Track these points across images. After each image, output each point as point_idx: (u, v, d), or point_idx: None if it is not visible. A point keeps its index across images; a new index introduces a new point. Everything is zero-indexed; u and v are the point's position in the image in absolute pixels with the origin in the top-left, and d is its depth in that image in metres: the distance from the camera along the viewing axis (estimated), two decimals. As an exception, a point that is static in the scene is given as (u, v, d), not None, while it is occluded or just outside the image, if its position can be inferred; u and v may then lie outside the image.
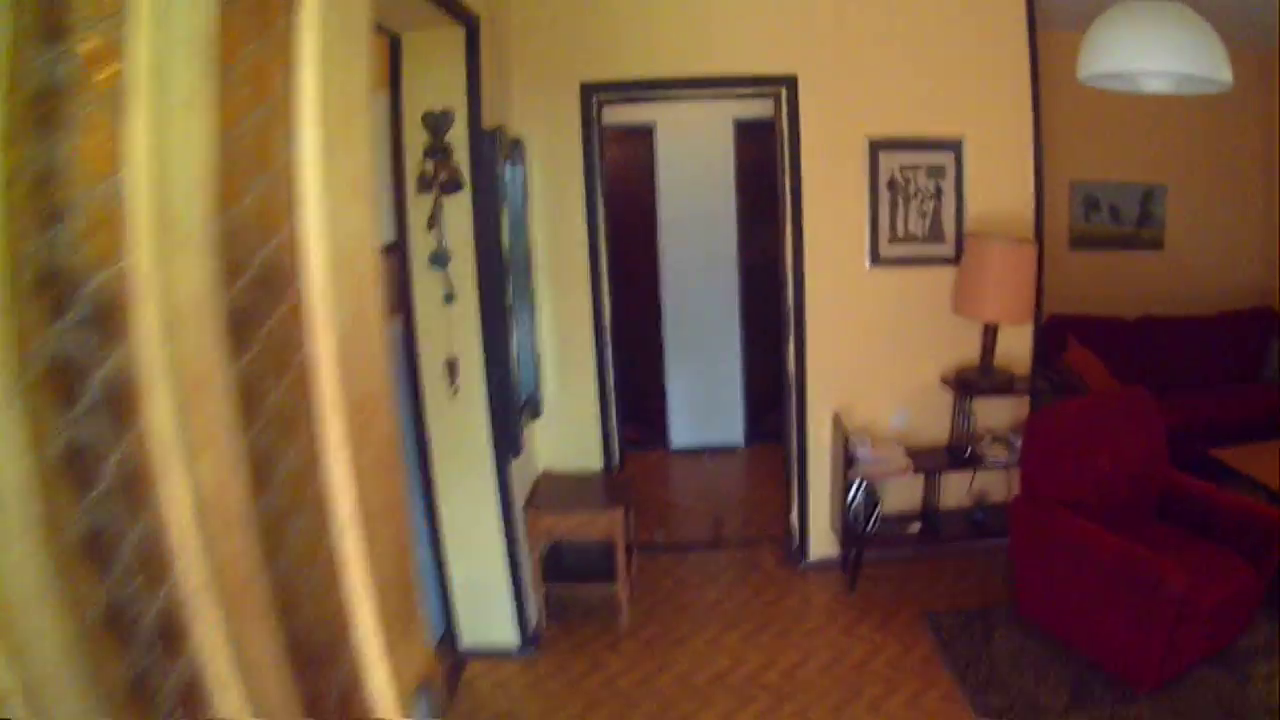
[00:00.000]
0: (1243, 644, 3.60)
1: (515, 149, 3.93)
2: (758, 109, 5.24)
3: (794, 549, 4.62)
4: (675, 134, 5.82)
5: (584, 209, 4.24)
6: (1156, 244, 5.98)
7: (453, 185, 3.38)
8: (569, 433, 4.44)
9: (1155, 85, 3.00)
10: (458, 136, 3.36)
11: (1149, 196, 5.91)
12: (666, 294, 6.01)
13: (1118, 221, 5.88)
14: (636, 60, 4.15)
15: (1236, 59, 2.86)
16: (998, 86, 4.30)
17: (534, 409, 4.20)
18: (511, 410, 3.69)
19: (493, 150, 3.50)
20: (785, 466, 4.73)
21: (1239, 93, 5.84)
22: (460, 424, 3.60)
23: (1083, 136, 5.61)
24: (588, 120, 4.18)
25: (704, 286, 5.97)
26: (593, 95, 4.17)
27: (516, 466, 3.81)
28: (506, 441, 3.64)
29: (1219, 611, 3.33)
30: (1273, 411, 5.32)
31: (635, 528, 4.68)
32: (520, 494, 3.92)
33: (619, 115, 5.22)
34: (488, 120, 3.45)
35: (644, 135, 5.83)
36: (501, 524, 3.69)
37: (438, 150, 3.36)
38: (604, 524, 3.96)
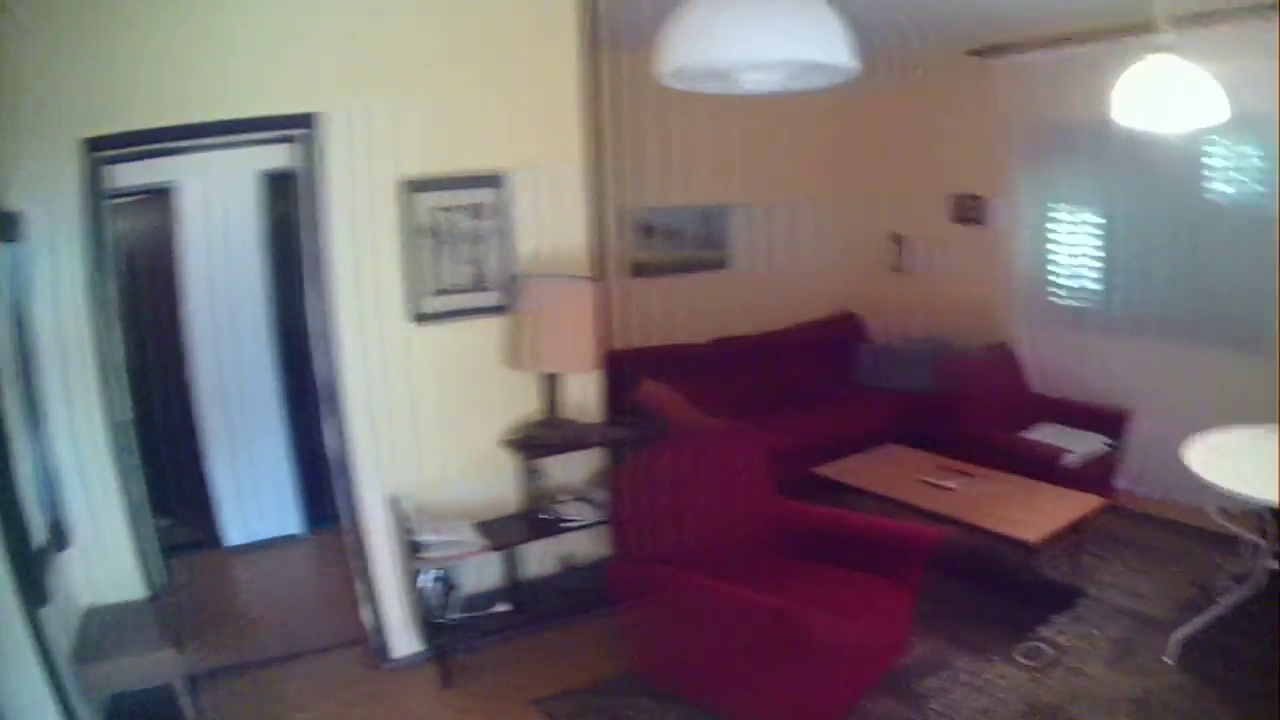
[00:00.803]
0: (907, 664, 3.58)
1: (10, 226, 3.05)
2: (287, 157, 4.51)
3: (376, 649, 3.97)
4: (198, 193, 4.96)
5: (87, 290, 3.36)
6: (719, 264, 6.01)
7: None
8: (105, 557, 3.53)
9: (760, 81, 2.48)
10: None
11: (708, 217, 5.94)
12: (200, 373, 5.11)
13: (676, 245, 5.82)
14: (146, 108, 3.33)
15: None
16: (548, 114, 3.98)
17: (60, 539, 3.29)
18: (30, 551, 2.85)
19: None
20: (349, 559, 4.06)
21: (803, 106, 5.86)
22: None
23: (636, 161, 5.42)
24: (91, 183, 3.33)
25: (238, 360, 5.15)
26: (96, 152, 3.31)
27: (53, 614, 2.96)
28: (32, 592, 2.79)
29: (872, 639, 3.21)
30: (875, 414, 5.54)
31: (199, 654, 3.83)
32: (65, 647, 3.09)
33: (134, 175, 4.34)
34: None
35: (163, 197, 4.91)
36: (51, 690, 2.84)
37: None
38: (155, 665, 3.24)
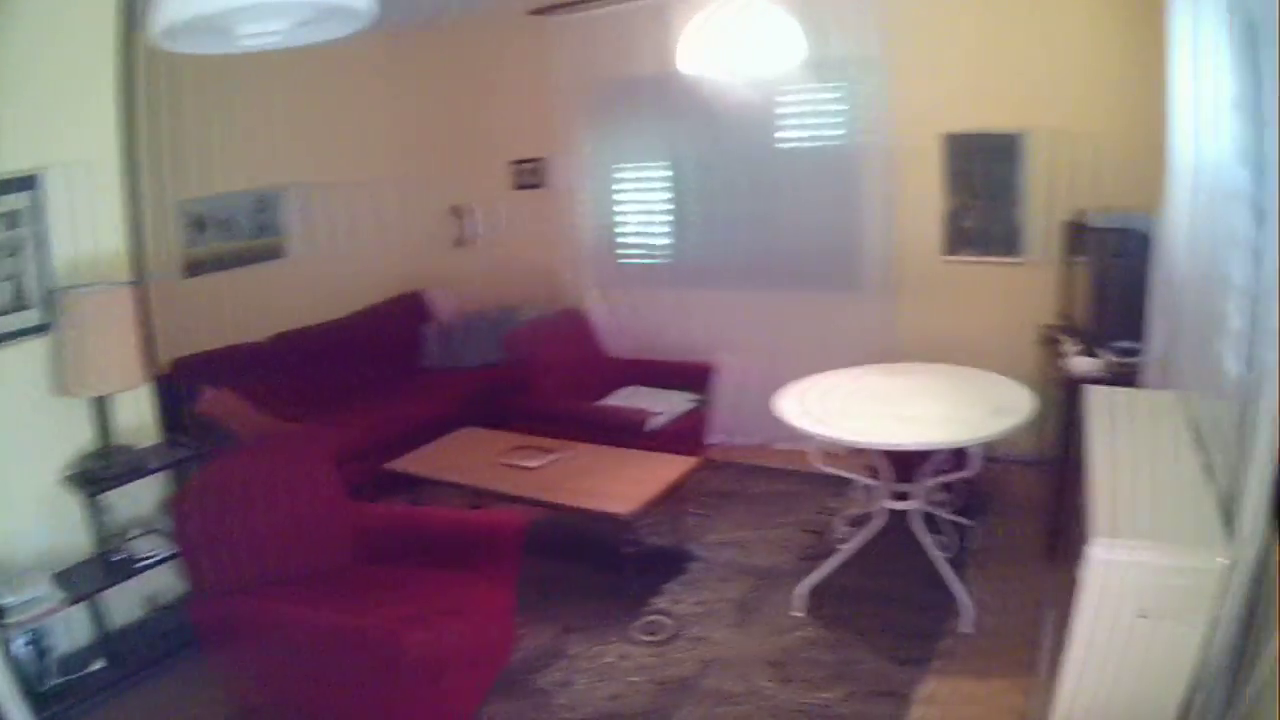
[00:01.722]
0: (522, 660, 3.40)
1: None
2: None
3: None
4: None
5: None
6: (276, 253, 5.63)
7: None
8: None
9: (259, 34, 2.16)
10: None
11: (263, 203, 5.53)
12: None
13: (230, 236, 5.36)
14: None
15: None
16: (81, 105, 3.51)
17: None
18: None
19: None
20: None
21: (354, 75, 5.78)
22: None
23: (179, 149, 4.91)
24: None
25: None
26: None
27: None
28: None
29: (475, 642, 3.01)
30: (447, 396, 5.36)
31: None
32: None
33: None
34: None
35: None
36: None
37: None
38: None
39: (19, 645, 3.28)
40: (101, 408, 3.54)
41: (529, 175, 6.07)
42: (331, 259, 5.94)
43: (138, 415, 3.79)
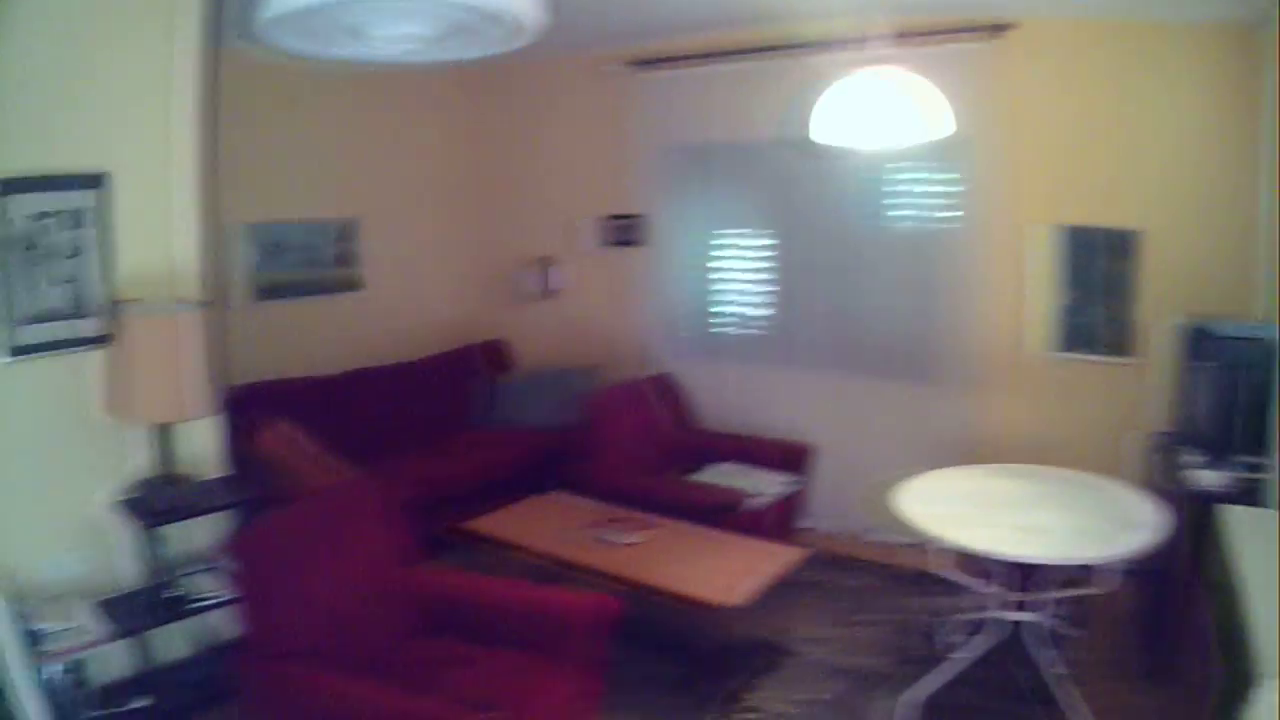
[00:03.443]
0: None
1: None
2: None
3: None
4: None
5: None
6: (352, 285, 5.43)
7: None
8: None
9: (400, 40, 2.01)
10: None
11: (342, 233, 5.35)
12: None
13: (312, 265, 5.20)
14: None
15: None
16: (155, 106, 3.34)
17: None
18: None
19: None
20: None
21: (438, 110, 5.74)
22: None
23: (263, 172, 4.81)
24: None
25: None
26: None
27: None
28: None
29: None
30: (518, 454, 5.11)
31: None
32: None
33: None
34: None
35: None
36: None
37: None
38: None
39: (56, 672, 2.99)
40: (163, 431, 3.31)
41: (621, 232, 5.70)
42: (407, 297, 5.76)
43: (200, 443, 3.56)
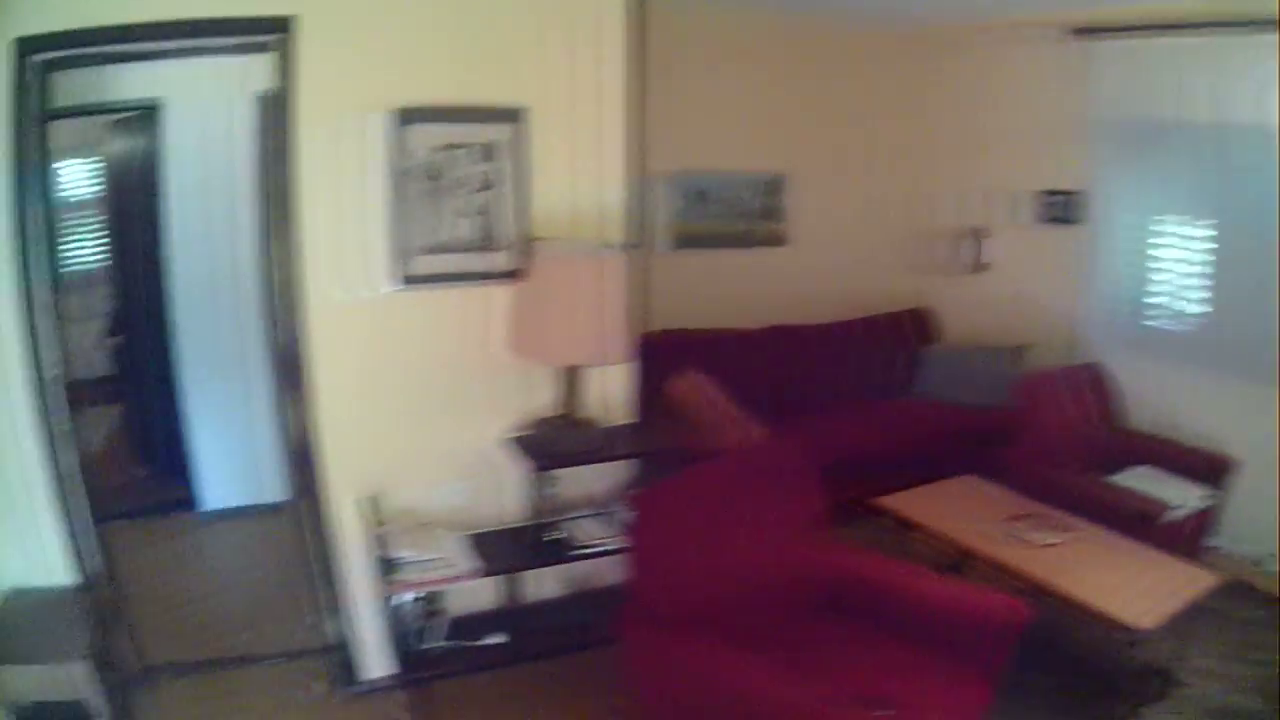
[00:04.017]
0: None
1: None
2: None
3: (343, 666, 3.25)
4: (184, 114, 4.20)
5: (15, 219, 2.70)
6: (777, 240, 5.28)
7: None
8: (27, 534, 2.87)
9: None
10: None
11: (771, 187, 5.21)
12: (183, 317, 4.46)
13: (735, 217, 5.12)
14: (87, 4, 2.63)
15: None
16: (580, 43, 3.22)
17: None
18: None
19: None
20: (307, 562, 3.35)
21: (867, 69, 5.42)
22: None
23: (687, 120, 4.70)
24: (25, 94, 2.67)
25: (228, 308, 4.43)
26: (31, 56, 2.66)
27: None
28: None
29: None
30: (934, 429, 4.79)
31: (138, 644, 3.23)
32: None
33: (104, 88, 3.77)
34: None
35: (145, 118, 4.20)
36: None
37: None
38: (64, 680, 2.63)
39: (405, 600, 3.08)
40: (570, 372, 3.22)
41: (1059, 209, 5.14)
42: (832, 257, 5.47)
43: (608, 388, 3.44)
